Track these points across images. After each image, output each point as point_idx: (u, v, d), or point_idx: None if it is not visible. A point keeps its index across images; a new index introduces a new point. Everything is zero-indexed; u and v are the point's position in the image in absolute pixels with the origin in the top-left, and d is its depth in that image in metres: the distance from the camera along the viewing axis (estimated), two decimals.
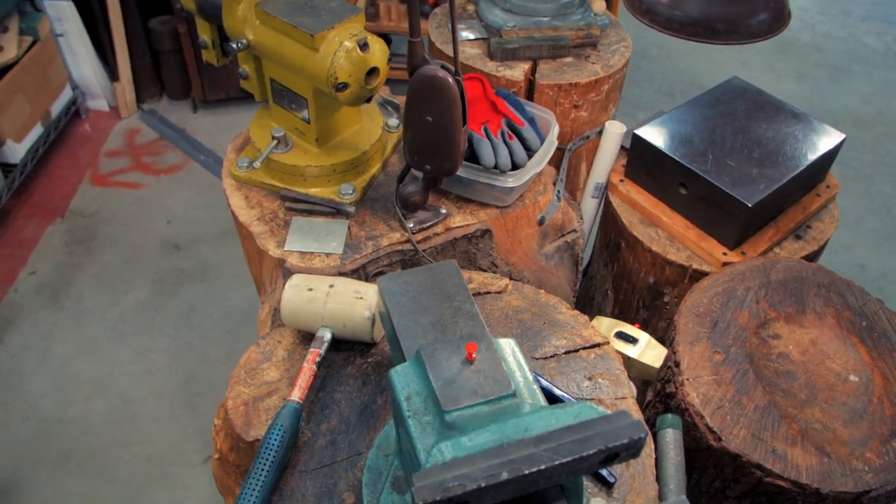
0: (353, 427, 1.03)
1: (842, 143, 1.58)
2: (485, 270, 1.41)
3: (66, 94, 2.92)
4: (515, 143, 1.35)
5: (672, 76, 3.50)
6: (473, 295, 1.24)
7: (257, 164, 1.32)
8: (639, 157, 1.56)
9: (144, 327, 2.29)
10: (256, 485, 0.91)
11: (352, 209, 1.35)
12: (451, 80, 1.14)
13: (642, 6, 1.43)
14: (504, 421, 0.75)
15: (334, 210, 1.35)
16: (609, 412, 0.72)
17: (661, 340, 1.40)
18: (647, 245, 1.53)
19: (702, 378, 1.24)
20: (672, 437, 1.11)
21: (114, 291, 2.40)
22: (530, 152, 1.38)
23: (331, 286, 1.08)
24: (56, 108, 2.85)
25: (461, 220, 1.37)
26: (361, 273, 1.30)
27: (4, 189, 2.56)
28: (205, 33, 1.43)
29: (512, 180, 1.34)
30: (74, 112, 3.02)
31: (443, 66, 1.15)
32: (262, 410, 1.04)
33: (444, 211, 1.37)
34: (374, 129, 1.43)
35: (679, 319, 1.32)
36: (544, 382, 1.07)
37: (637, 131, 1.54)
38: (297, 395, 1.00)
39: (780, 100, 1.65)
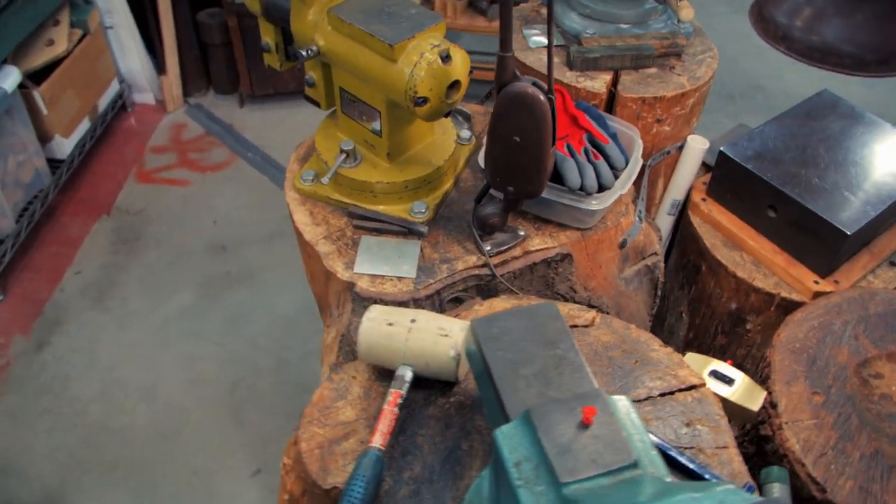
0: (438, 475, 0.96)
1: None
2: (564, 297, 1.33)
3: (114, 88, 2.88)
4: (601, 162, 1.26)
5: (724, 76, 3.37)
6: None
7: (325, 179, 1.25)
8: (724, 175, 1.47)
9: (189, 333, 2.24)
10: None
11: (424, 229, 1.27)
12: (543, 98, 1.06)
13: (777, 31, 1.31)
14: (628, 499, 0.68)
15: (405, 230, 1.28)
16: (755, 499, 0.64)
17: (742, 370, 1.31)
18: (731, 270, 1.43)
19: (802, 422, 1.15)
20: (779, 492, 1.02)
21: (158, 295, 2.35)
22: (615, 171, 1.29)
23: (412, 321, 1.01)
24: (103, 102, 2.81)
25: (540, 243, 1.29)
26: (436, 299, 1.22)
27: (52, 185, 2.52)
28: (268, 36, 1.36)
29: (597, 203, 1.25)
30: (121, 106, 2.98)
31: (534, 83, 1.07)
32: (338, 455, 0.97)
33: (522, 233, 1.28)
34: (447, 142, 1.35)
35: (774, 356, 1.23)
36: (672, 452, 0.97)
37: (723, 148, 1.44)
38: (378, 441, 0.92)
39: (875, 116, 1.54)
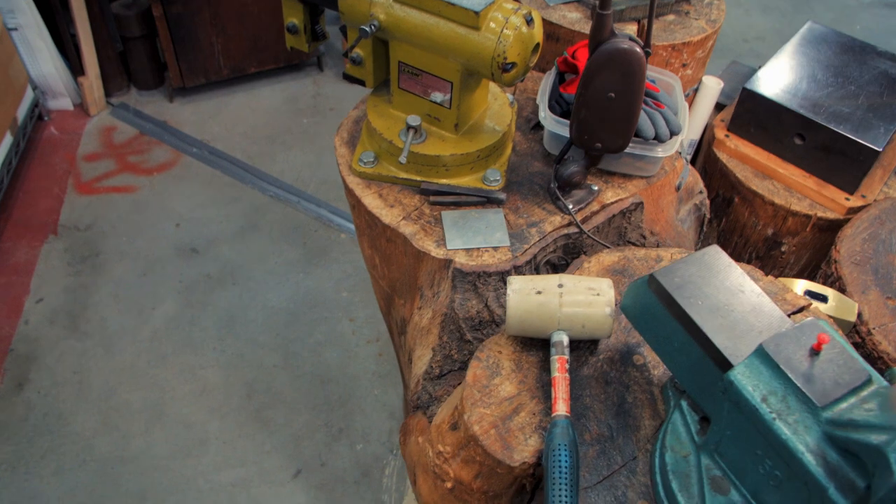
0: (616, 431, 0.97)
1: None
2: (635, 244, 1.36)
3: (29, 96, 2.63)
4: (665, 110, 1.29)
5: None
6: None
7: (403, 158, 1.21)
8: (747, 111, 1.54)
9: (184, 343, 2.12)
10: None
11: (503, 196, 1.26)
12: (641, 52, 1.07)
13: None
14: (882, 412, 0.72)
15: (484, 199, 1.26)
16: None
17: None
18: (768, 198, 1.51)
19: (886, 325, 1.24)
20: None
21: (138, 309, 2.20)
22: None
23: (560, 285, 1.01)
24: (21, 112, 2.56)
25: (613, 195, 1.31)
26: (532, 264, 1.22)
27: None
28: (294, 16, 1.29)
29: (663, 150, 1.28)
30: (38, 115, 2.72)
31: (630, 39, 1.08)
32: (516, 431, 0.96)
33: (596, 188, 1.30)
34: (503, 107, 1.34)
35: (842, 271, 1.32)
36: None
37: (746, 85, 1.51)
38: (562, 408, 0.92)
39: (861, 40, 1.66)
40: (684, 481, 0.88)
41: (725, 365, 0.82)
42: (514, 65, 1.11)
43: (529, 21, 1.11)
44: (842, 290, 1.30)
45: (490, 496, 1.01)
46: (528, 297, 1.00)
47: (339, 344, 2.16)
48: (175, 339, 2.13)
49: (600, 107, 1.13)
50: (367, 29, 1.16)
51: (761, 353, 0.79)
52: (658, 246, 1.39)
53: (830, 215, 1.49)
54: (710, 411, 0.89)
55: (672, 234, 1.43)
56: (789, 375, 0.77)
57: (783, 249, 1.57)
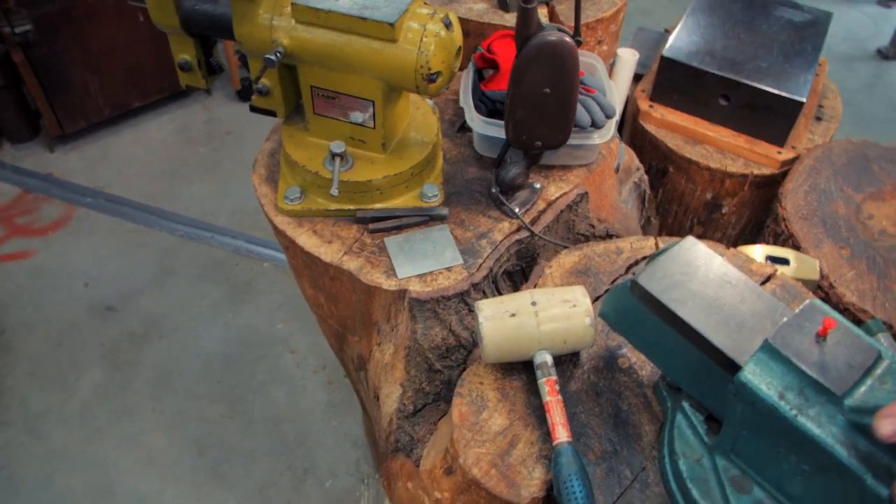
0: (619, 444, 0.92)
1: (830, 17, 1.62)
2: (585, 236, 1.31)
3: None
4: (597, 94, 1.24)
5: None
6: (634, 264, 1.15)
7: (334, 190, 1.12)
8: (668, 79, 1.51)
9: (119, 411, 1.96)
10: None
11: (445, 211, 1.19)
12: (572, 43, 1.01)
13: None
14: None
15: (426, 217, 1.19)
16: None
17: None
18: (703, 163, 1.49)
19: (846, 276, 1.24)
20: (885, 340, 1.10)
21: (61, 383, 2.02)
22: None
23: (533, 303, 0.94)
24: None
25: (556, 190, 1.25)
26: (489, 277, 1.16)
27: None
28: (186, 52, 1.18)
29: (599, 136, 1.23)
30: None
31: (559, 30, 1.02)
32: (517, 465, 0.89)
33: (538, 186, 1.24)
34: (427, 115, 1.26)
35: (793, 228, 1.31)
36: None
37: (665, 53, 1.48)
38: (563, 434, 0.86)
39: None
40: (703, 487, 0.83)
41: (731, 366, 0.78)
42: (438, 74, 1.03)
43: (448, 25, 1.03)
44: (796, 246, 1.29)
45: None
46: (503, 321, 0.94)
47: (284, 380, 2.05)
48: (108, 407, 1.96)
49: (536, 104, 1.07)
50: (273, 57, 1.05)
51: (769, 349, 0.75)
52: (607, 233, 1.35)
53: (766, 171, 1.49)
54: (717, 411, 0.85)
55: (618, 217, 1.40)
56: (802, 368, 0.73)
57: (724, 211, 1.56)
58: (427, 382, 1.18)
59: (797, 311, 0.78)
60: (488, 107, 1.29)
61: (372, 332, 1.20)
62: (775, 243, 1.36)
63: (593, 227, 1.33)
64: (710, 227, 1.61)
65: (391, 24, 0.99)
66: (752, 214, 1.58)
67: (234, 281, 2.27)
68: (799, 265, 1.19)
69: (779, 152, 1.48)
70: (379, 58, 1.03)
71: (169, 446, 1.88)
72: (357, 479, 1.86)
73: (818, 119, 1.60)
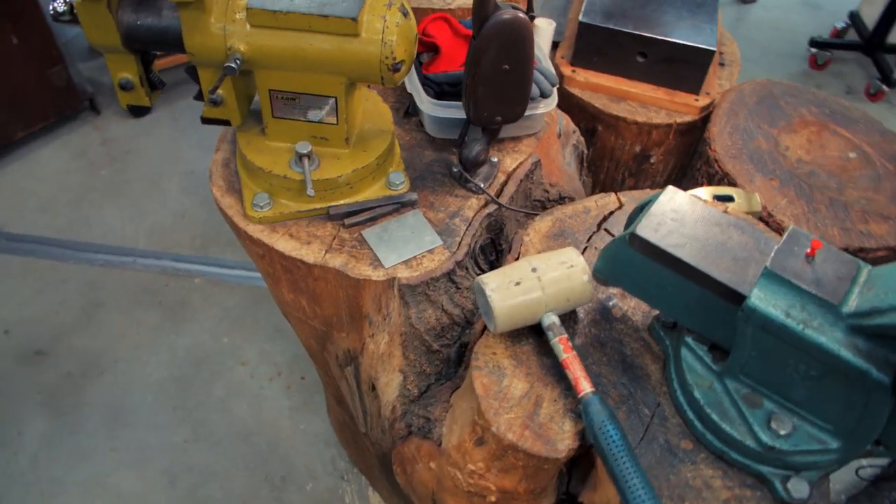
0: (632, 387, 0.99)
1: None
2: (542, 202, 1.37)
3: None
4: (539, 65, 1.30)
5: None
6: (604, 219, 1.21)
7: (310, 191, 1.12)
8: (587, 43, 1.59)
9: (75, 457, 1.87)
10: (637, 483, 0.85)
11: (415, 196, 1.22)
12: (527, 19, 1.06)
13: None
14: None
15: (397, 205, 1.21)
16: None
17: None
18: (630, 119, 1.58)
19: (780, 204, 1.36)
20: None
21: (3, 441, 1.90)
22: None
23: (533, 269, 0.99)
24: None
25: (512, 161, 1.31)
26: (469, 253, 1.20)
27: None
28: (127, 71, 1.14)
29: (544, 105, 1.29)
30: None
31: (514, 8, 1.06)
32: (548, 423, 0.94)
33: (495, 160, 1.29)
34: (377, 104, 1.28)
35: (726, 167, 1.42)
36: None
37: (581, 19, 1.56)
38: (586, 386, 0.92)
39: None
40: (720, 409, 0.91)
41: (735, 296, 0.86)
42: (402, 62, 1.06)
43: (405, 13, 1.05)
44: (732, 184, 1.40)
45: (536, 493, 1.00)
46: (510, 291, 0.98)
47: (242, 393, 2.01)
48: (61, 456, 1.87)
49: (496, 81, 1.11)
50: (233, 65, 1.04)
51: (770, 275, 0.83)
52: (560, 196, 1.41)
53: (687, 118, 1.59)
54: (721, 340, 0.93)
55: (566, 179, 1.46)
56: (802, 286, 0.82)
57: (652, 161, 1.67)
58: (427, 364, 1.21)
59: (784, 238, 0.87)
60: (434, 90, 1.31)
61: (362, 325, 1.22)
62: (710, 184, 1.47)
63: (547, 192, 1.39)
64: (640, 178, 1.71)
65: (353, 19, 1.00)
66: (677, 160, 1.69)
67: (168, 302, 2.20)
68: (743, 200, 1.29)
69: (696, 100, 1.59)
70: (342, 54, 1.04)
71: (138, 483, 1.82)
72: (336, 477, 1.86)
73: (721, 65, 1.72)
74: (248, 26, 1.04)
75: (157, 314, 2.17)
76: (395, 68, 1.05)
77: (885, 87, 3.09)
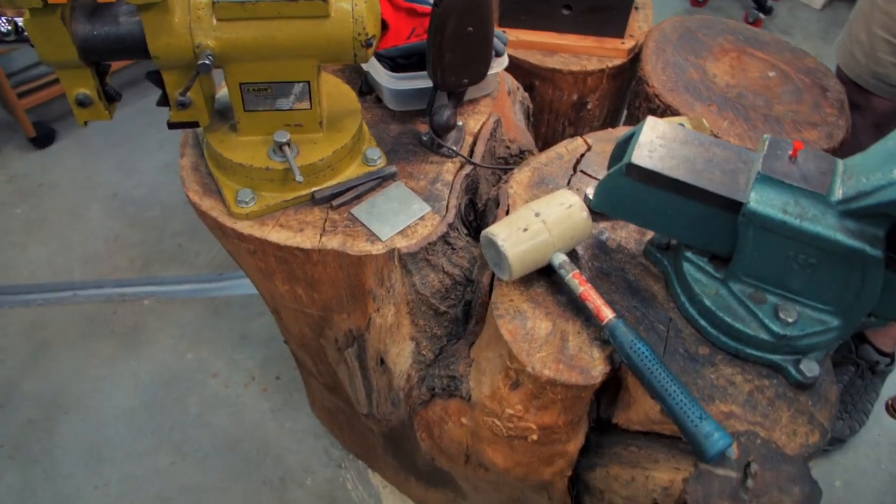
0: (643, 308, 1.06)
1: None
2: (506, 158, 1.42)
3: None
4: None
5: None
6: (578, 161, 1.27)
7: (299, 177, 1.13)
8: (513, 3, 1.64)
9: (57, 503, 1.80)
10: (676, 389, 0.92)
11: (393, 168, 1.24)
12: None
13: None
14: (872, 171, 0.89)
15: (379, 179, 1.23)
16: None
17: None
18: (565, 70, 1.65)
19: (723, 127, 1.46)
20: None
21: None
22: None
23: (536, 214, 1.04)
24: None
25: (475, 123, 1.35)
26: (458, 215, 1.23)
27: None
28: (83, 86, 1.11)
29: (497, 64, 1.34)
30: None
31: None
32: (578, 354, 1.00)
33: (461, 123, 1.33)
34: (339, 85, 1.29)
35: (667, 99, 1.51)
36: None
37: None
38: (608, 312, 0.98)
39: None
40: (731, 311, 0.99)
41: (733, 205, 0.93)
42: (374, 37, 1.08)
43: None
44: (676, 115, 1.49)
45: (574, 423, 1.06)
46: (520, 237, 1.03)
47: (220, 404, 1.98)
48: None
49: (462, 44, 1.15)
50: (206, 62, 1.03)
51: (763, 179, 0.91)
52: (520, 150, 1.47)
53: (617, 62, 1.68)
54: (722, 249, 1.00)
55: (521, 134, 1.52)
56: (793, 184, 0.90)
57: (589, 107, 1.75)
58: (437, 327, 1.25)
59: (765, 145, 0.95)
60: (388, 65, 1.33)
61: (366, 302, 1.24)
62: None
63: (509, 148, 1.44)
64: (579, 125, 1.79)
65: (324, 0, 1.01)
66: (611, 103, 1.78)
67: (120, 330, 2.12)
68: (694, 126, 1.38)
69: (623, 43, 1.67)
70: (315, 36, 1.05)
71: None
72: (334, 467, 1.87)
73: (636, 9, 1.82)
74: (214, 21, 1.03)
75: (111, 344, 2.09)
76: (368, 44, 1.07)
77: (761, 15, 3.32)
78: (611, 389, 1.08)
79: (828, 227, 0.88)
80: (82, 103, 1.12)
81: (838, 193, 0.90)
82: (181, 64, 1.07)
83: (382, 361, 1.30)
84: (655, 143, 0.99)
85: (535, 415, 1.04)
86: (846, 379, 2.06)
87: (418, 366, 1.25)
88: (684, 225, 1.01)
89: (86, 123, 1.18)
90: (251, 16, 1.03)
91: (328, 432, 1.93)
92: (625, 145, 1.03)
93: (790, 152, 0.93)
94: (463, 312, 1.25)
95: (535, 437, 1.06)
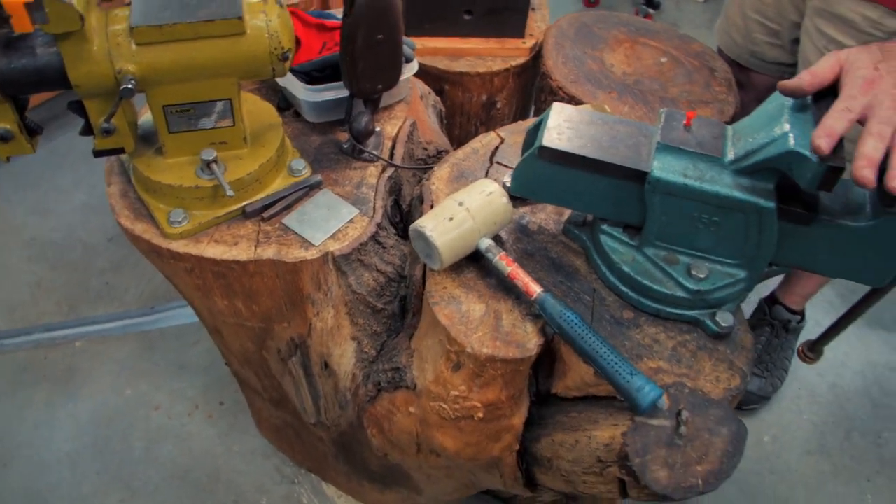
0: (568, 282, 1.13)
1: None
2: (425, 160, 1.48)
3: None
4: None
5: None
6: (493, 154, 1.34)
7: (229, 191, 1.16)
8: (416, 12, 1.71)
9: None
10: (606, 350, 0.99)
11: (318, 177, 1.29)
12: None
13: None
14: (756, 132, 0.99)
15: (306, 188, 1.27)
16: None
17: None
18: (472, 73, 1.73)
19: (624, 111, 1.57)
20: None
21: None
22: None
23: (460, 203, 1.10)
24: None
25: (392, 127, 1.41)
26: (385, 215, 1.28)
27: None
28: (3, 120, 1.10)
29: (408, 69, 1.40)
30: None
31: None
32: (513, 329, 1.06)
33: (378, 129, 1.38)
34: (257, 103, 1.32)
35: (571, 91, 1.60)
36: None
37: None
38: (536, 288, 1.05)
39: None
40: (648, 274, 1.08)
41: (639, 175, 1.01)
42: (289, 51, 1.12)
43: (280, 3, 1.12)
44: (580, 104, 1.59)
45: (516, 397, 1.12)
46: (446, 226, 1.09)
47: (164, 436, 1.97)
48: None
49: (374, 52, 1.21)
50: (130, 86, 1.06)
51: (662, 147, 1.00)
52: (437, 151, 1.53)
53: (520, 61, 1.77)
54: (634, 218, 1.07)
55: (436, 136, 1.59)
56: (690, 150, 0.99)
57: (498, 106, 1.83)
58: (377, 324, 1.30)
59: (662, 117, 1.04)
60: (303, 79, 1.38)
61: (305, 308, 1.27)
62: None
63: (426, 149, 1.51)
64: (490, 124, 1.87)
65: (240, 18, 1.05)
66: (519, 100, 1.87)
67: (54, 374, 2.08)
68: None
69: (524, 42, 1.76)
70: (233, 54, 1.09)
71: None
72: (287, 484, 1.88)
73: (533, 10, 1.91)
74: (133, 46, 1.06)
75: (46, 389, 2.05)
76: (285, 57, 1.12)
77: (651, 10, 3.50)
78: (546, 362, 1.15)
79: (724, 185, 0.98)
80: (3, 138, 1.12)
81: (730, 154, 0.99)
82: (103, 91, 1.09)
83: (327, 365, 1.34)
84: (563, 126, 1.06)
85: (478, 393, 1.09)
86: (763, 340, 2.20)
87: (362, 364, 1.29)
88: (597, 199, 1.09)
89: (8, 159, 1.18)
90: (169, 38, 1.06)
91: (277, 451, 1.94)
92: (535, 132, 1.10)
93: (685, 122, 1.02)
94: (399, 307, 1.31)
95: (480, 414, 1.11)
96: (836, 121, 0.87)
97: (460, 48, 1.74)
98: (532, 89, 1.89)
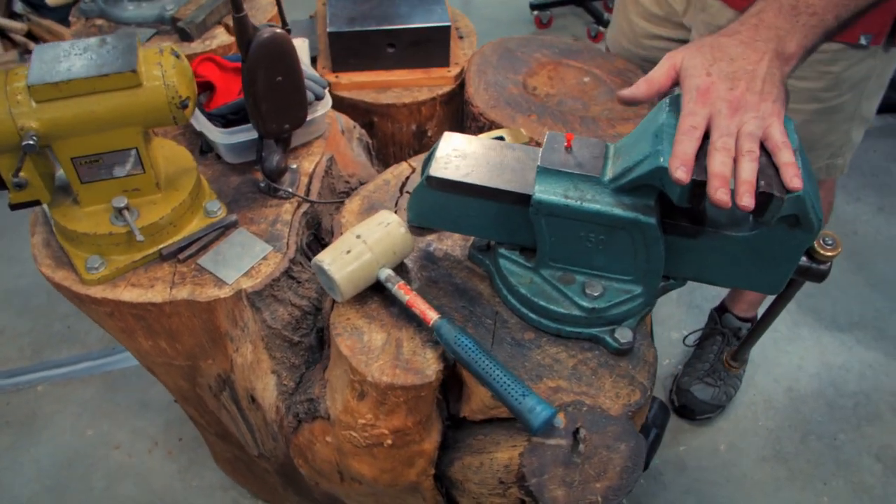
0: (470, 307, 1.16)
1: None
2: (346, 192, 1.52)
3: None
4: (306, 72, 1.44)
5: None
6: (403, 184, 1.38)
7: (139, 236, 1.20)
8: (342, 49, 1.75)
9: None
10: (499, 373, 1.01)
11: (234, 217, 1.32)
12: (285, 32, 1.21)
13: None
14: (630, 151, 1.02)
15: (221, 229, 1.31)
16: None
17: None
18: (399, 104, 1.77)
19: (543, 132, 1.60)
20: None
21: None
22: None
23: (358, 236, 1.14)
24: None
25: (309, 164, 1.45)
26: (299, 250, 1.32)
27: None
28: None
29: (322, 106, 1.45)
30: None
31: (270, 26, 1.20)
32: (412, 357, 1.09)
33: (294, 166, 1.42)
34: (173, 148, 1.36)
35: (491, 116, 1.64)
36: None
37: (330, 30, 1.72)
38: (433, 315, 1.08)
39: None
40: (545, 295, 1.11)
41: (525, 199, 1.04)
42: (188, 98, 1.16)
43: (177, 55, 1.16)
44: (499, 128, 1.63)
45: (423, 422, 1.15)
46: (345, 260, 1.12)
47: (125, 474, 1.99)
48: None
49: (275, 93, 1.25)
50: (31, 142, 1.10)
51: (543, 171, 1.03)
52: (360, 183, 1.57)
53: (446, 89, 1.81)
54: (527, 240, 1.11)
55: (360, 169, 1.63)
56: (569, 171, 1.02)
57: (429, 134, 1.87)
58: (294, 357, 1.33)
59: (545, 141, 1.07)
60: (220, 122, 1.42)
61: (225, 345, 1.31)
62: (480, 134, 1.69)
63: (348, 182, 1.54)
64: (423, 153, 1.90)
65: (134, 71, 1.10)
66: (449, 127, 1.91)
67: (15, 419, 2.11)
68: (511, 136, 1.51)
69: (449, 71, 1.81)
70: (132, 105, 1.13)
71: None
72: None
73: (461, 38, 1.96)
74: (33, 103, 1.10)
75: (8, 434, 2.08)
76: (184, 105, 1.16)
77: (601, 28, 3.56)
78: (455, 387, 1.18)
79: (605, 204, 1.01)
80: None
81: (610, 173, 1.02)
82: (8, 148, 1.13)
83: (253, 399, 1.37)
84: (451, 155, 1.10)
85: (384, 420, 1.12)
86: (715, 349, 2.22)
87: (283, 396, 1.32)
88: (489, 224, 1.12)
89: None
90: (67, 94, 1.10)
91: (235, 484, 1.96)
92: (428, 162, 1.14)
93: (565, 144, 1.05)
94: (317, 339, 1.34)
95: (389, 441, 1.14)
96: (685, 144, 0.90)
97: (386, 80, 1.79)
98: (462, 116, 1.93)
